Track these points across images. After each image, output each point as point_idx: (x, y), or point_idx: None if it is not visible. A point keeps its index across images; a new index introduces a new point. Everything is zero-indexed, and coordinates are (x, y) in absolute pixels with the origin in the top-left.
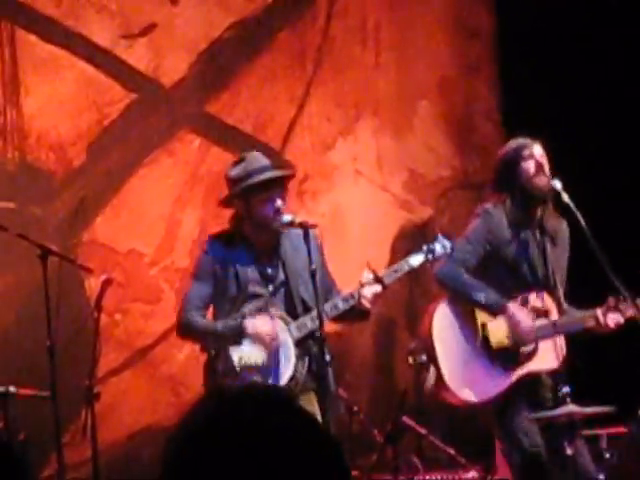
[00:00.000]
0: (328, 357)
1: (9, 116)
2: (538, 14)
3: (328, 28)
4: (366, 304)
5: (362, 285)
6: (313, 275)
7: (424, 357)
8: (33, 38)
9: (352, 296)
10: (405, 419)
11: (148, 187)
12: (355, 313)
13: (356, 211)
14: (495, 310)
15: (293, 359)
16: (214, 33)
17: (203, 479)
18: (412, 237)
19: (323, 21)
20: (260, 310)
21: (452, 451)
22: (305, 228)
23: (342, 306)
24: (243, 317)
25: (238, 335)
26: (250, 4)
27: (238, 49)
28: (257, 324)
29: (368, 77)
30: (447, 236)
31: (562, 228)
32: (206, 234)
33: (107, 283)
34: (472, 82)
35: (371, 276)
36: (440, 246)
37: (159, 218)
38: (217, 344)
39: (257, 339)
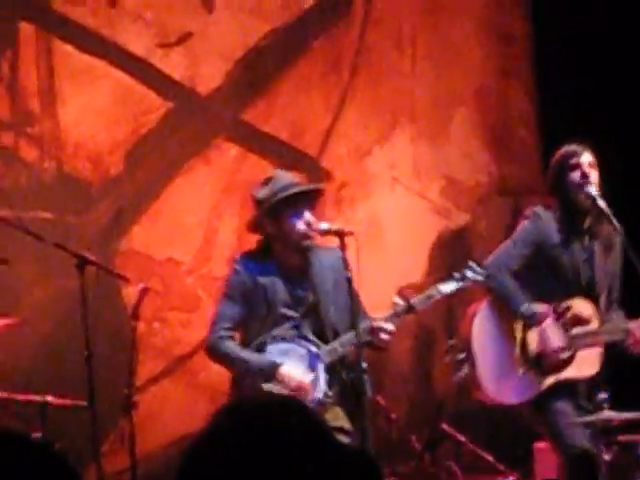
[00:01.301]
0: (364, 365)
1: (46, 126)
2: (574, 18)
3: (364, 35)
4: (385, 337)
5: (388, 318)
6: (349, 282)
7: (461, 355)
8: (69, 48)
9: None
10: (444, 426)
11: (185, 196)
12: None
13: (393, 218)
14: (531, 324)
15: (324, 388)
16: (250, 41)
17: None
18: (449, 244)
19: (359, 28)
20: (289, 339)
21: (491, 458)
22: (342, 235)
23: (341, 351)
24: (276, 365)
25: (269, 376)
26: (286, 12)
27: (274, 57)
28: (292, 375)
29: (404, 84)
30: (479, 263)
31: (616, 235)
32: (243, 243)
33: (145, 292)
34: (508, 88)
35: (402, 302)
36: (472, 273)
37: (196, 226)
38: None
39: (289, 388)
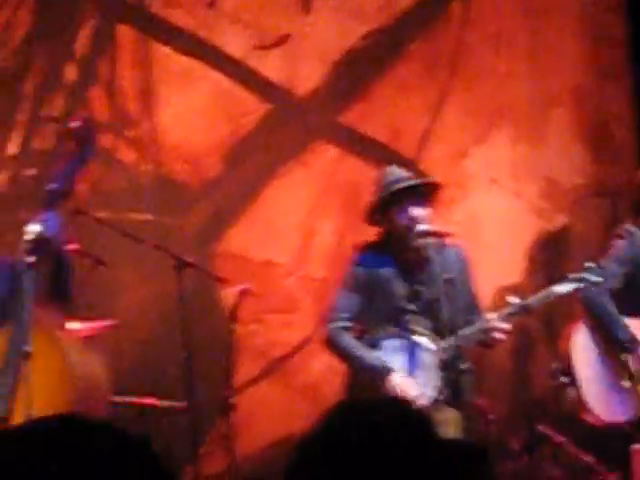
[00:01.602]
0: (465, 366)
1: (144, 128)
2: None
3: (462, 36)
4: (500, 337)
5: (501, 317)
6: (449, 283)
7: (565, 378)
8: (167, 50)
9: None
10: (542, 428)
11: (282, 198)
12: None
13: (491, 219)
14: (628, 350)
15: (439, 372)
16: (348, 43)
17: None
18: (547, 245)
19: (456, 29)
20: (404, 335)
21: (590, 459)
22: (440, 237)
23: (456, 349)
24: (388, 370)
25: (380, 379)
26: (383, 13)
27: (372, 58)
28: (401, 385)
29: (502, 85)
30: (598, 264)
31: None
32: (342, 244)
33: (244, 293)
34: (607, 89)
35: (517, 302)
36: (589, 275)
37: (294, 229)
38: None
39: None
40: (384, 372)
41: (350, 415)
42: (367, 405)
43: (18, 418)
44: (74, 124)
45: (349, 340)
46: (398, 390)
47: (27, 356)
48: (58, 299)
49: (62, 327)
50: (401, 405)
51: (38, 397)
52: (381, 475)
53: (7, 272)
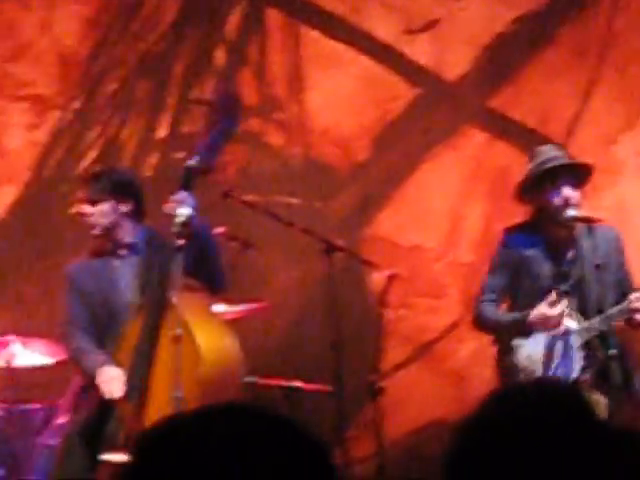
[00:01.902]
0: (613, 351)
1: (293, 112)
2: None
3: (611, 22)
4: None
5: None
6: (599, 266)
7: None
8: (317, 34)
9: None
10: None
11: (431, 182)
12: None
13: None
14: None
15: (581, 353)
16: (497, 28)
17: (484, 475)
18: None
19: (606, 14)
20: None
21: None
22: (589, 223)
23: (599, 329)
24: (526, 315)
25: (523, 327)
26: None
27: (521, 44)
28: (541, 308)
29: None
30: None
31: None
32: (491, 229)
33: (392, 278)
34: None
35: None
36: None
37: (442, 213)
38: (505, 337)
39: (542, 323)
40: (526, 315)
41: (512, 399)
42: (529, 389)
43: (155, 402)
44: (217, 96)
45: (492, 310)
46: (545, 311)
47: (177, 339)
48: (204, 281)
49: (202, 309)
50: (561, 388)
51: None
52: (546, 460)
53: (161, 244)
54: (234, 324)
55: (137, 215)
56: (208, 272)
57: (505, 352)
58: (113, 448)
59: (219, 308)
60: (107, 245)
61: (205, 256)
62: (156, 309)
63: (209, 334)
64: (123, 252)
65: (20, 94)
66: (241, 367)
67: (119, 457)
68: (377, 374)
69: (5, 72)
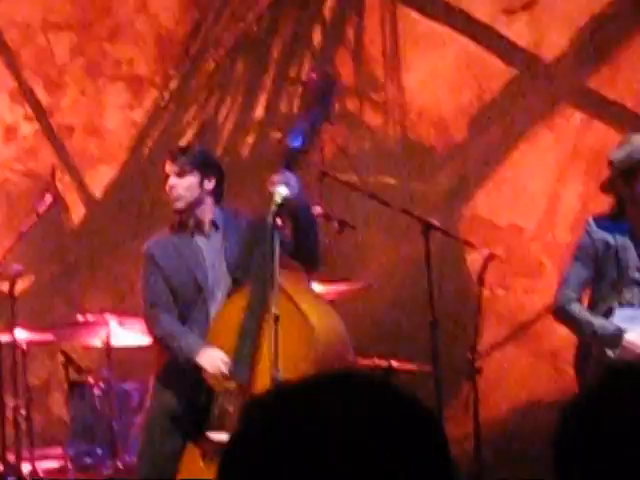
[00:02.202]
0: None
1: (390, 92)
2: None
3: None
4: None
5: None
6: None
7: None
8: (414, 14)
9: None
10: None
11: (528, 162)
12: None
13: None
14: None
15: None
16: (594, 8)
17: (588, 454)
18: None
19: None
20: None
21: None
22: None
23: None
24: (620, 332)
25: (614, 343)
26: None
27: (619, 24)
28: (637, 343)
29: None
30: None
31: None
32: (587, 210)
33: (490, 258)
34: None
35: None
36: None
37: (539, 193)
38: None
39: (631, 351)
40: (618, 334)
41: (621, 378)
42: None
43: (262, 380)
44: (312, 78)
45: (579, 309)
46: (636, 349)
47: (275, 319)
48: (303, 260)
49: (306, 288)
50: None
51: (282, 359)
52: None
53: (241, 224)
54: (332, 304)
55: (217, 195)
56: (306, 252)
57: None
58: (221, 427)
59: (316, 288)
60: (188, 221)
61: (304, 236)
62: (262, 288)
63: (320, 314)
64: (207, 230)
65: (117, 74)
66: (349, 347)
67: (221, 436)
68: (474, 354)
69: (103, 52)
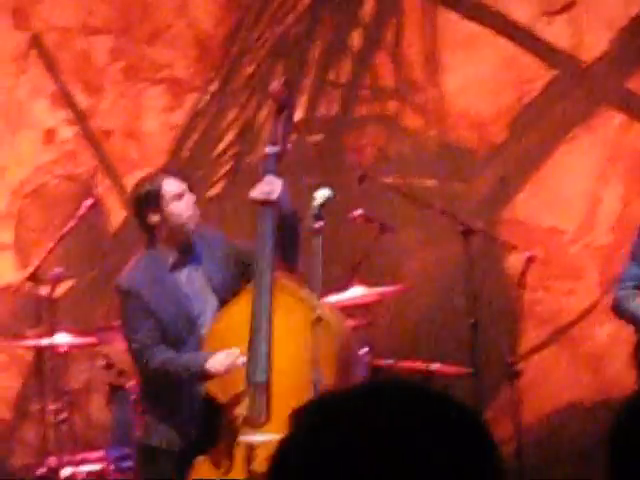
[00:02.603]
0: None
1: (430, 94)
2: None
3: None
4: None
5: None
6: None
7: None
8: (454, 16)
9: None
10: None
11: (568, 164)
12: None
13: None
14: None
15: None
16: (634, 10)
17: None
18: None
19: None
20: None
21: None
22: None
23: None
24: None
25: None
26: None
27: None
28: None
29: None
30: None
31: None
32: (628, 211)
33: (530, 260)
34: None
35: None
36: None
37: (580, 195)
38: None
39: None
40: None
41: None
42: None
43: (280, 380)
44: (274, 87)
45: (636, 304)
46: None
47: (317, 320)
48: (290, 261)
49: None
50: None
51: (296, 357)
52: None
53: (213, 244)
54: (371, 307)
55: None
56: (293, 253)
57: None
58: (249, 428)
59: (356, 291)
60: (188, 245)
61: (291, 237)
62: (266, 291)
63: (330, 312)
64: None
65: (157, 77)
66: (355, 343)
67: (256, 438)
68: (515, 356)
69: (142, 55)
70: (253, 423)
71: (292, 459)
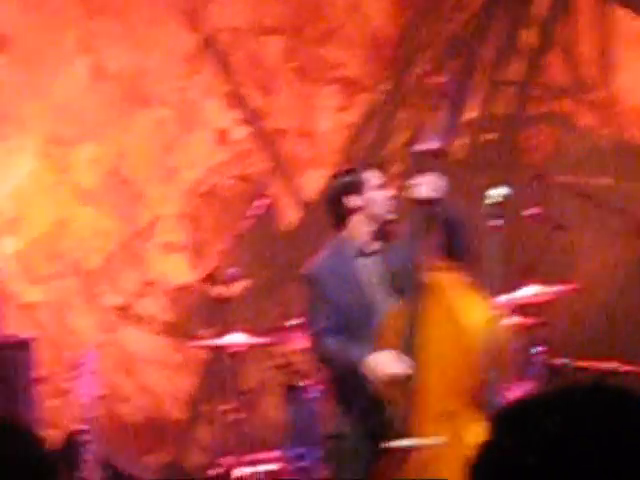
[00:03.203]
0: None
1: (603, 92)
2: None
3: None
4: None
5: None
6: None
7: None
8: (626, 14)
9: None
10: None
11: None
12: None
13: None
14: None
15: None
16: None
17: None
18: None
19: None
20: None
21: None
22: None
23: None
24: None
25: None
26: None
27: None
28: None
29: None
30: None
31: None
32: None
33: None
34: None
35: None
36: None
37: None
38: None
39: None
40: None
41: None
42: None
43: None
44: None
45: None
46: None
47: (492, 320)
48: (456, 259)
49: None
50: None
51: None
52: None
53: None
54: (546, 306)
55: None
56: (459, 250)
57: None
58: (397, 434)
59: (531, 290)
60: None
61: (456, 234)
62: (415, 294)
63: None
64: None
65: (330, 77)
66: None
67: (406, 442)
68: None
69: (315, 55)
70: (403, 429)
71: (491, 463)
